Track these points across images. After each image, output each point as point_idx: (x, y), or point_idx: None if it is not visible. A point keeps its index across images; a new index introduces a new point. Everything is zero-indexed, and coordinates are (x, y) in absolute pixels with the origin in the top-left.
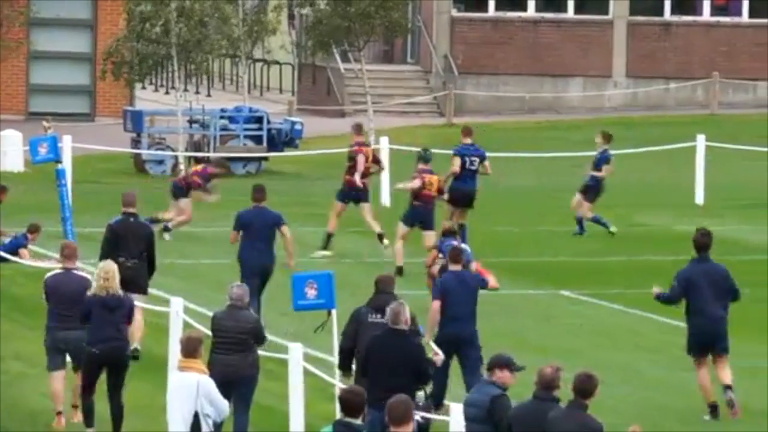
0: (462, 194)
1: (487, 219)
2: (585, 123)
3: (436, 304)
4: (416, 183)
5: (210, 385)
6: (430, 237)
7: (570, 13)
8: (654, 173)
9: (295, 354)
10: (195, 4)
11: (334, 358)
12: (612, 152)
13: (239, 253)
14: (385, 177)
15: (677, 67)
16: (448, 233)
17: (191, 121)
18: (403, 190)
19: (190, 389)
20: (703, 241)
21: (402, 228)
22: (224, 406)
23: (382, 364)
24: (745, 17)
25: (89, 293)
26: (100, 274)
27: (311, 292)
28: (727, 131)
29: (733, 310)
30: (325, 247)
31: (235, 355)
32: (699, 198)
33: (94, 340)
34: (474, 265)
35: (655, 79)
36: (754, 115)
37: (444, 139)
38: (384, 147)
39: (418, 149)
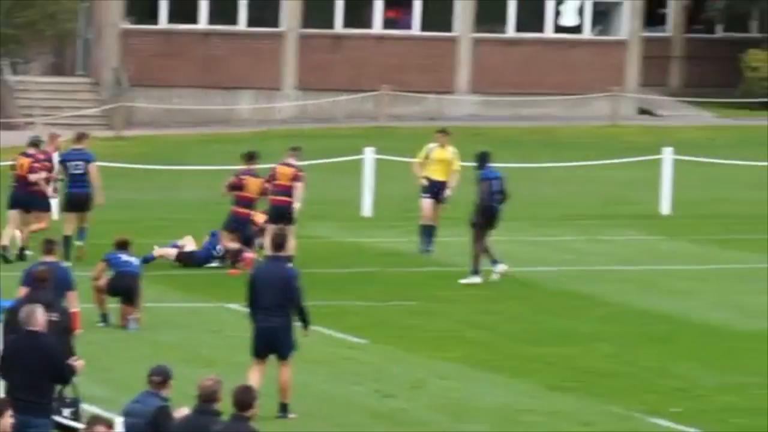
0: (74, 198)
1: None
2: (254, 135)
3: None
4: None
5: None
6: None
7: (241, 25)
8: (323, 186)
9: None
10: None
11: None
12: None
13: None
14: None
15: (348, 80)
16: (120, 245)
17: None
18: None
19: None
20: (275, 240)
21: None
22: None
23: (18, 367)
24: (416, 30)
25: None
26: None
27: None
28: (396, 143)
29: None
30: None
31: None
32: (366, 210)
33: None
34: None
35: (325, 91)
36: (422, 128)
37: (113, 152)
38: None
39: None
